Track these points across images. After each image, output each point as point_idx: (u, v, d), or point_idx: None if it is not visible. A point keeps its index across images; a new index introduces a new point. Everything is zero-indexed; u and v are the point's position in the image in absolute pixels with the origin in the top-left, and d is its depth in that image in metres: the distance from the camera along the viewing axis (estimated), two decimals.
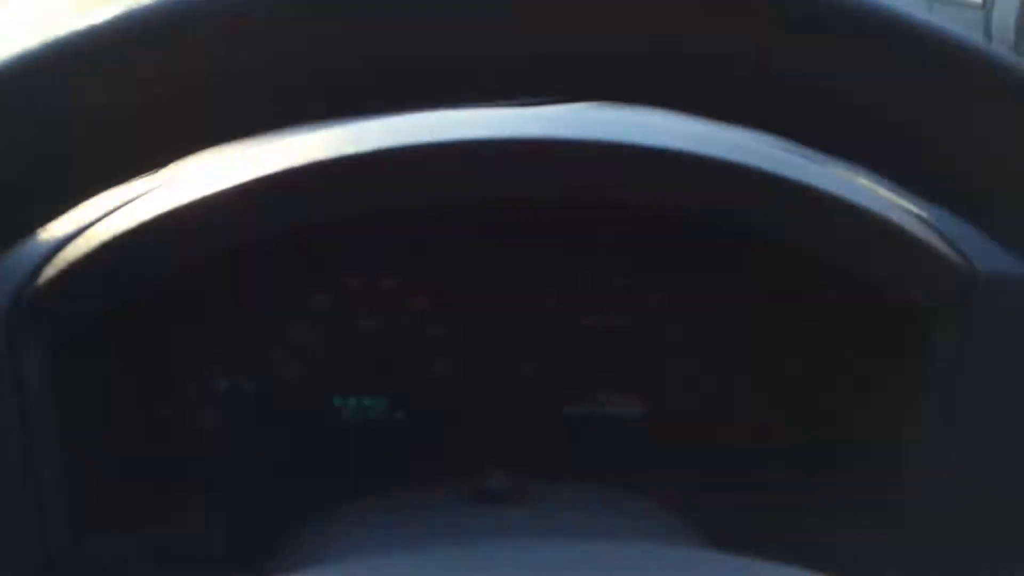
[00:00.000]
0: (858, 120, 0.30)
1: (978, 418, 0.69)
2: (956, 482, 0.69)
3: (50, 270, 0.66)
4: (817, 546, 0.75)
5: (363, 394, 0.87)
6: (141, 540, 0.76)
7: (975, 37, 0.30)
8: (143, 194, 0.71)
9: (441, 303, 0.87)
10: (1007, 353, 0.68)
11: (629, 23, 0.28)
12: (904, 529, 0.72)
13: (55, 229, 0.68)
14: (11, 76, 0.27)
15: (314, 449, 0.86)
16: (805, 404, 0.86)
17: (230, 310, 0.85)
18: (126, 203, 0.70)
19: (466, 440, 0.87)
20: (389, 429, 0.87)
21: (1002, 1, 6.46)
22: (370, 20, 0.27)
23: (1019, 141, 0.29)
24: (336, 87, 0.29)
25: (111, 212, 0.69)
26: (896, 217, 0.69)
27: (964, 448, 0.69)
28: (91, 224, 0.69)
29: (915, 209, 0.73)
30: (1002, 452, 0.68)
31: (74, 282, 0.66)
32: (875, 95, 0.29)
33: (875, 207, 0.69)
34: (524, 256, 0.87)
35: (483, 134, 0.70)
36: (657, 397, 0.88)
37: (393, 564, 0.35)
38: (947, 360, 0.70)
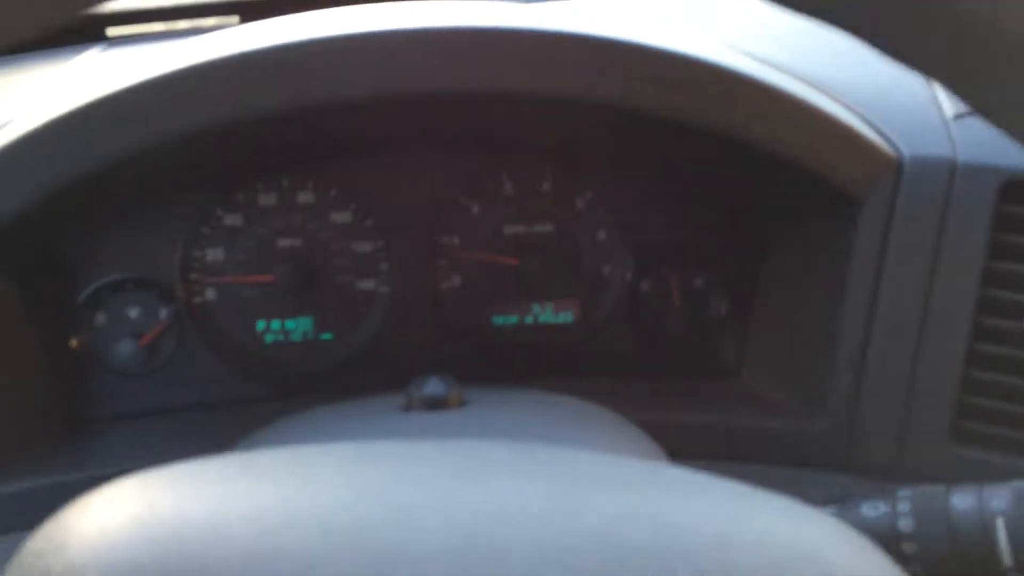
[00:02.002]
0: None
1: (900, 301, 0.70)
2: (876, 361, 0.71)
3: None
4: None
5: (288, 317, 0.84)
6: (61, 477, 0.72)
7: None
8: (44, 97, 0.67)
9: (363, 217, 0.84)
10: (930, 236, 0.69)
11: None
12: (827, 412, 0.73)
13: None
14: None
15: (239, 374, 0.83)
16: (736, 294, 0.86)
17: (144, 230, 0.81)
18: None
19: (396, 355, 0.85)
20: (317, 350, 0.85)
21: None
22: None
23: None
24: None
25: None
26: (822, 104, 0.68)
27: (885, 330, 0.70)
28: None
29: (842, 96, 0.72)
30: (923, 334, 0.69)
31: None
32: None
33: (801, 93, 0.68)
34: (447, 165, 0.85)
35: (394, 26, 0.67)
36: (589, 302, 0.87)
37: (300, 454, 0.34)
38: (872, 244, 0.70)
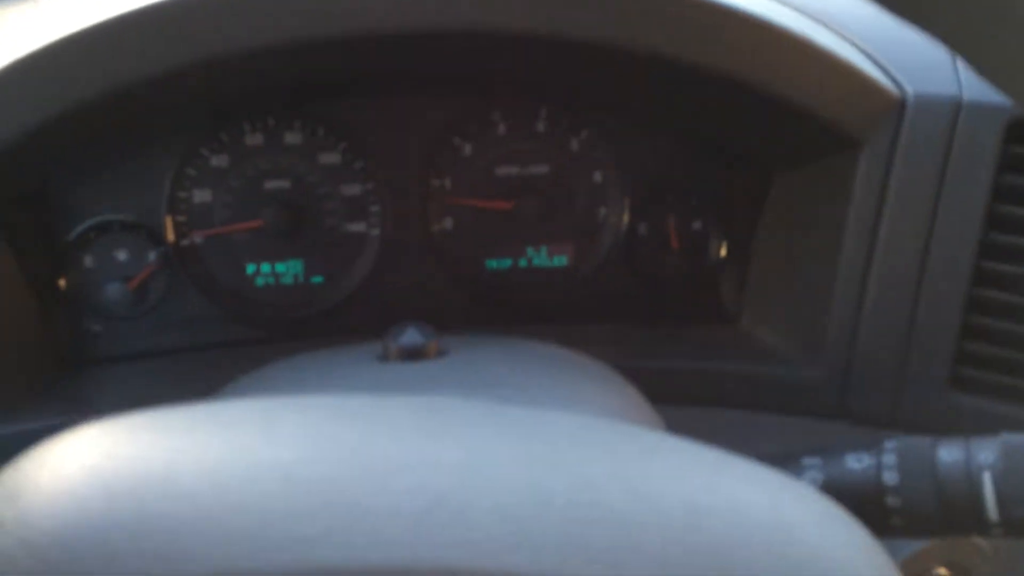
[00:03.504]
0: None
1: (899, 245, 0.68)
2: (873, 307, 0.69)
3: None
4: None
5: (278, 260, 0.83)
6: (51, 420, 0.72)
7: None
8: (24, 32, 0.65)
9: (352, 158, 0.82)
10: (932, 178, 0.67)
11: None
12: (823, 359, 0.72)
13: None
14: None
15: (230, 317, 0.83)
16: (735, 237, 0.84)
17: (130, 171, 0.79)
18: None
19: (388, 299, 0.84)
20: (308, 293, 0.84)
21: None
22: None
23: None
24: None
25: None
26: (821, 39, 0.65)
27: (883, 275, 0.68)
28: None
29: (845, 32, 0.69)
30: (922, 278, 0.67)
31: None
32: None
33: (798, 28, 0.65)
34: (439, 106, 0.83)
35: None
36: (584, 245, 0.86)
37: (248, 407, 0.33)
38: (872, 186, 0.68)
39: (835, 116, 0.66)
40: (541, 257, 0.86)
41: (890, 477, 0.49)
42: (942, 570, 0.67)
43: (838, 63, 0.65)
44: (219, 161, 0.80)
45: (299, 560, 0.27)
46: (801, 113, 0.66)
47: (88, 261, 0.80)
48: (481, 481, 0.29)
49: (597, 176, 0.85)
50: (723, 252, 0.85)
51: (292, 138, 0.81)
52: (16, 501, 0.29)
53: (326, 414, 0.33)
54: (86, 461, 0.30)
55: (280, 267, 0.83)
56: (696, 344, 0.81)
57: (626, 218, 0.85)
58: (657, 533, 0.29)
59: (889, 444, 0.50)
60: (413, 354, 0.52)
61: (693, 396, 0.75)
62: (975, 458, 0.48)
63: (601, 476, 0.31)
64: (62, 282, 0.79)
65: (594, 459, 0.32)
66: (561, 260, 0.86)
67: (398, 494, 0.28)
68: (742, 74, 0.64)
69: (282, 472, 0.29)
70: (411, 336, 0.52)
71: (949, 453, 0.48)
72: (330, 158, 0.82)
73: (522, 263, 0.86)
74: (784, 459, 0.52)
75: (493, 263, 0.86)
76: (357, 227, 0.83)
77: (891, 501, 0.49)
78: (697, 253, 0.86)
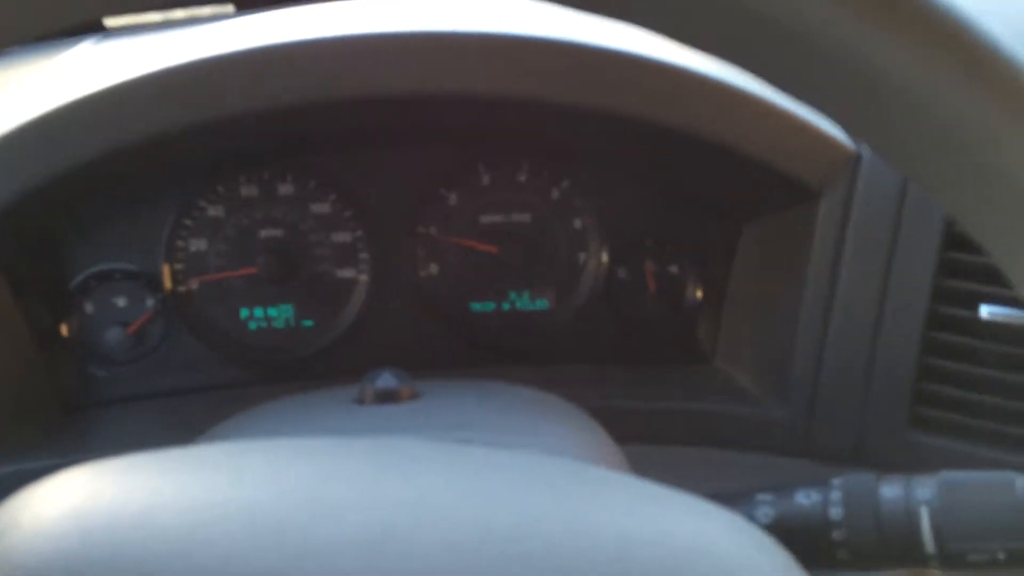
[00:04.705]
0: None
1: (857, 291, 0.71)
2: (834, 349, 0.72)
3: None
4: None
5: (270, 305, 0.87)
6: (52, 461, 0.76)
7: None
8: (37, 91, 0.70)
9: (342, 208, 0.86)
10: (887, 227, 0.70)
11: None
12: (789, 399, 0.75)
13: None
14: None
15: (224, 360, 0.86)
16: (710, 281, 0.88)
17: (130, 222, 0.83)
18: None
19: (376, 341, 0.88)
20: (299, 336, 0.87)
21: None
22: None
23: None
24: None
25: None
26: (777, 98, 0.69)
27: (842, 319, 0.72)
28: None
29: None
30: (880, 322, 0.71)
31: None
32: None
33: (754, 88, 0.69)
34: (424, 157, 0.87)
35: (364, 30, 0.69)
36: (565, 288, 0.89)
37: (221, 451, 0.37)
38: (830, 235, 0.71)
39: (793, 169, 0.70)
40: (524, 300, 0.90)
41: (836, 512, 0.52)
42: None
43: (793, 120, 0.69)
44: (215, 212, 0.84)
45: None
46: (762, 167, 0.70)
47: (89, 308, 0.84)
48: (428, 515, 0.33)
49: (577, 223, 0.89)
50: (699, 296, 0.89)
51: (285, 189, 0.85)
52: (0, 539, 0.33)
53: (290, 456, 0.36)
54: (69, 502, 0.34)
55: (272, 311, 0.87)
56: (672, 384, 0.84)
57: (605, 263, 0.89)
58: (589, 564, 0.32)
59: (836, 481, 0.53)
60: (387, 397, 0.55)
61: (666, 435, 0.78)
62: (914, 494, 0.51)
63: (541, 510, 0.34)
64: (64, 328, 0.83)
65: (537, 494, 0.35)
66: (543, 303, 0.90)
67: (351, 528, 0.32)
68: (703, 132, 0.68)
69: (247, 511, 0.32)
70: (386, 380, 0.56)
71: (890, 489, 0.51)
72: (321, 208, 0.86)
73: (505, 306, 0.89)
74: (741, 495, 0.55)
75: (477, 306, 0.89)
76: (347, 273, 0.87)
77: (837, 535, 0.52)
78: (674, 297, 0.89)
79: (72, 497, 0.35)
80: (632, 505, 0.35)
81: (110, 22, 1.07)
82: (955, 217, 0.30)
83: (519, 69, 0.67)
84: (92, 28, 1.04)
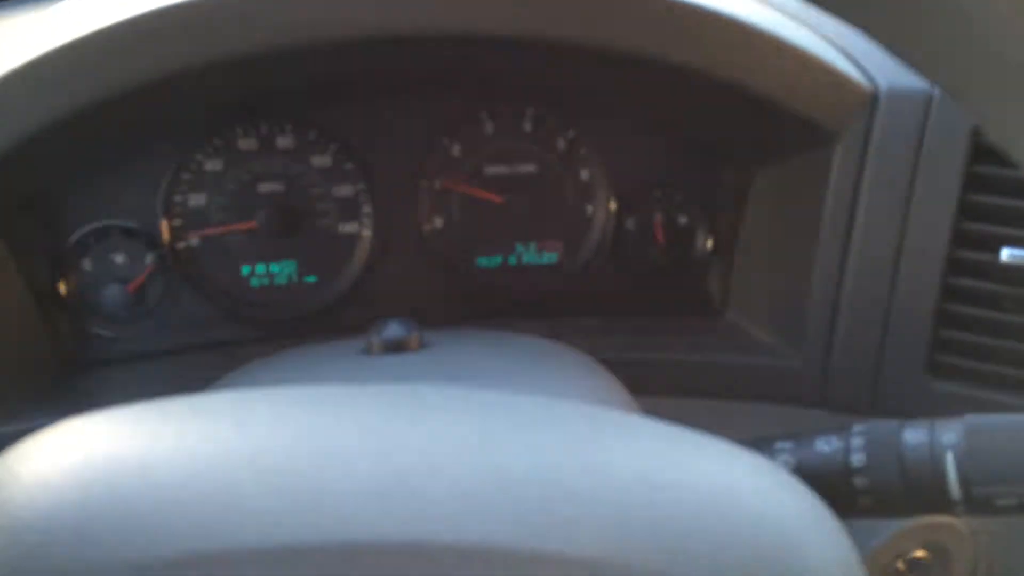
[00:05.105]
0: None
1: (874, 236, 0.69)
2: (850, 296, 0.71)
3: None
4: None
5: (272, 261, 0.85)
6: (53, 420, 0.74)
7: None
8: (24, 39, 0.68)
9: (343, 159, 0.84)
10: (905, 169, 0.68)
11: None
12: (804, 349, 0.73)
13: None
14: None
15: (226, 318, 0.85)
16: (720, 231, 0.86)
17: (126, 177, 0.81)
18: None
19: (381, 297, 0.86)
20: (302, 292, 0.86)
21: None
22: None
23: None
24: None
25: None
26: (794, 36, 0.67)
27: (859, 265, 0.70)
28: None
29: (818, 27, 0.71)
30: (897, 268, 0.69)
31: None
32: None
33: (771, 26, 0.66)
34: (427, 107, 0.84)
35: None
36: (573, 241, 0.87)
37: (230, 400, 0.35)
38: (847, 179, 0.69)
39: (809, 111, 0.68)
40: (531, 254, 0.88)
41: (857, 459, 0.50)
42: (920, 552, 0.69)
43: (810, 59, 0.66)
44: (213, 165, 0.82)
45: (266, 540, 0.29)
46: (776, 109, 0.68)
47: (87, 265, 0.82)
48: (441, 461, 0.31)
49: (584, 174, 0.86)
50: (709, 246, 0.87)
51: (284, 142, 0.83)
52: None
53: (296, 404, 0.35)
54: (67, 455, 0.32)
55: (274, 268, 0.85)
56: (682, 336, 0.82)
57: (614, 214, 0.87)
58: (611, 506, 0.30)
59: (857, 428, 0.52)
60: (395, 347, 0.54)
61: (678, 387, 0.77)
62: (939, 439, 0.49)
63: (558, 453, 0.32)
64: (62, 286, 0.81)
65: (552, 437, 0.33)
66: (551, 256, 0.88)
67: (360, 475, 0.30)
68: (716, 72, 0.66)
69: (251, 458, 0.31)
70: (393, 329, 0.54)
71: (914, 435, 0.50)
72: (322, 160, 0.84)
73: (512, 260, 0.88)
74: (759, 444, 0.54)
75: (484, 260, 0.87)
76: (349, 227, 0.85)
77: (859, 482, 0.50)
78: (683, 247, 0.87)
79: (71, 448, 0.33)
80: (656, 447, 0.34)
81: None
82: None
83: (521, 5, 0.64)
84: None
